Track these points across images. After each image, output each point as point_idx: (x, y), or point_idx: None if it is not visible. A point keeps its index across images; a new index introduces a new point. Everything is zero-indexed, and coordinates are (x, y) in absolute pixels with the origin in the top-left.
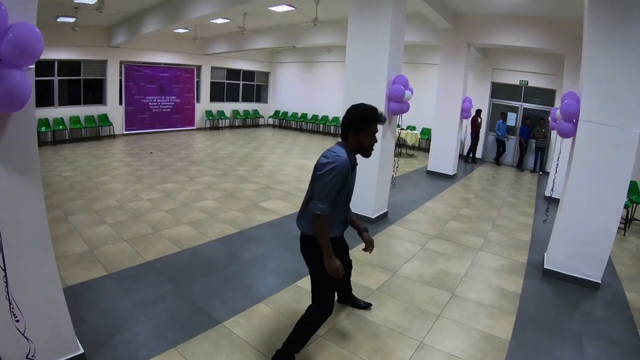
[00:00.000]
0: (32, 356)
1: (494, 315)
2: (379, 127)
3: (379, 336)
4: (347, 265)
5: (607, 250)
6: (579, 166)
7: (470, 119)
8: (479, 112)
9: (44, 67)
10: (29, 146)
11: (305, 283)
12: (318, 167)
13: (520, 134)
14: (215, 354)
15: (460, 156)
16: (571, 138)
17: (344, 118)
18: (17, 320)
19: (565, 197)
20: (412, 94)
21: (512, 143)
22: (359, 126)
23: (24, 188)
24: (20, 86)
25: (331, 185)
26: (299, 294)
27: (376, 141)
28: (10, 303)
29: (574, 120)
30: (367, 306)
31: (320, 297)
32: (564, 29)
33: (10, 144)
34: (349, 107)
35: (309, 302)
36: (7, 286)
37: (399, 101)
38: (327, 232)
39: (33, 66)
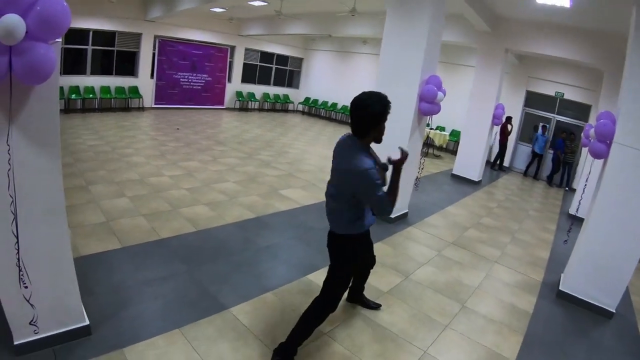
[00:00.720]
0: (34, 322)
1: (502, 333)
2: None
3: (383, 340)
4: (370, 262)
5: (626, 280)
6: (607, 189)
7: (500, 125)
8: (509, 119)
9: (78, 36)
10: (51, 119)
11: (317, 277)
12: (356, 175)
13: (556, 147)
14: (218, 339)
15: (487, 162)
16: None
17: (362, 114)
18: (26, 287)
19: (590, 220)
20: (444, 95)
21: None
22: (380, 119)
23: (43, 160)
24: (44, 59)
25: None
26: (308, 287)
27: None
28: (20, 270)
29: (608, 142)
30: (376, 307)
31: (330, 291)
32: (606, 44)
33: (32, 115)
34: (358, 100)
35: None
36: (18, 253)
37: (430, 102)
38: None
39: (59, 40)
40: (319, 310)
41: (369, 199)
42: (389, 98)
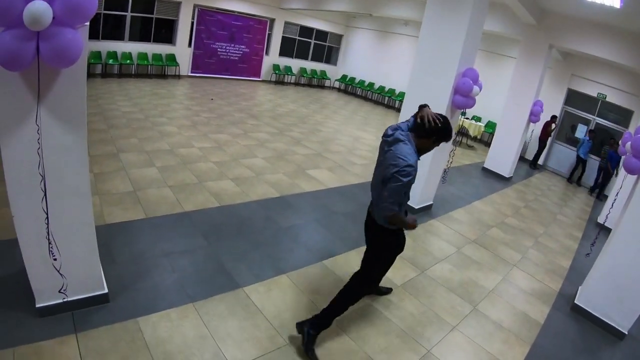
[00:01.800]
0: (64, 290)
1: (509, 341)
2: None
3: (389, 334)
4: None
5: None
6: (636, 208)
7: (544, 122)
8: (554, 118)
9: (118, 2)
10: (78, 100)
11: (332, 264)
12: (395, 167)
13: (608, 158)
14: (228, 317)
15: (522, 158)
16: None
17: (435, 126)
18: (55, 259)
19: (615, 236)
20: (480, 89)
21: (592, 164)
22: (439, 135)
23: (70, 139)
24: (71, 45)
25: (403, 192)
26: (324, 273)
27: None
28: (49, 243)
29: None
30: (387, 291)
31: (369, 274)
32: None
33: (60, 97)
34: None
35: (331, 284)
36: (47, 227)
37: (465, 95)
38: (402, 218)
39: (87, 24)
40: (357, 289)
41: (388, 186)
42: (424, 87)
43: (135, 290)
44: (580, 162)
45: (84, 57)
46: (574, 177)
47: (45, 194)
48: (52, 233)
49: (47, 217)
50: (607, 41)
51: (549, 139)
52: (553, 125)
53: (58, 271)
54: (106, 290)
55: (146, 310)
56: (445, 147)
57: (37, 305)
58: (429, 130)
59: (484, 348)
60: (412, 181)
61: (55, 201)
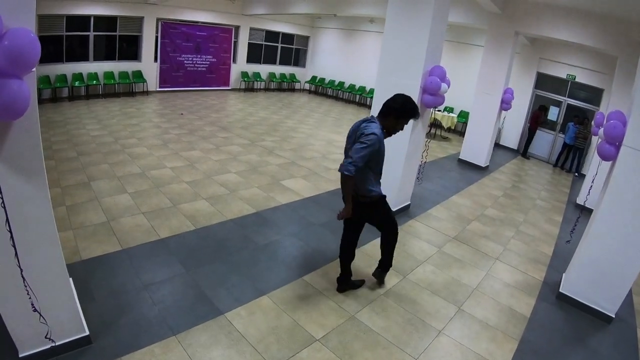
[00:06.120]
0: (50, 337)
1: (497, 339)
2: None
3: (375, 347)
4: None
5: (628, 286)
6: (614, 194)
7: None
8: (542, 108)
9: (80, 23)
10: (33, 149)
11: (312, 278)
12: (360, 134)
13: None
14: (212, 346)
15: (497, 145)
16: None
17: (391, 102)
18: (35, 311)
19: (595, 223)
20: (448, 87)
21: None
22: (401, 114)
23: (31, 190)
24: (18, 96)
25: (363, 155)
26: (304, 290)
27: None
28: (29, 295)
29: (617, 144)
30: (360, 284)
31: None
32: (621, 30)
33: (15, 148)
34: (397, 94)
35: (312, 300)
36: (24, 281)
37: (434, 94)
38: (350, 188)
39: (34, 69)
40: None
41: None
42: (391, 88)
43: (117, 328)
44: (566, 148)
45: (34, 106)
46: (560, 162)
47: (15, 250)
48: (29, 285)
49: (22, 272)
50: (573, 24)
51: (520, 125)
52: (543, 116)
53: (40, 315)
54: (87, 333)
55: (130, 348)
56: (418, 144)
57: (21, 355)
58: (400, 110)
59: (471, 349)
60: (374, 147)
61: (27, 254)
